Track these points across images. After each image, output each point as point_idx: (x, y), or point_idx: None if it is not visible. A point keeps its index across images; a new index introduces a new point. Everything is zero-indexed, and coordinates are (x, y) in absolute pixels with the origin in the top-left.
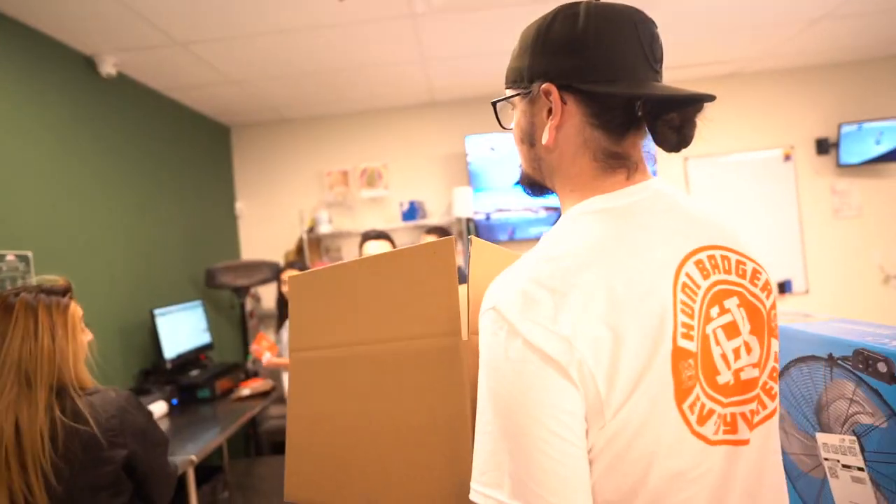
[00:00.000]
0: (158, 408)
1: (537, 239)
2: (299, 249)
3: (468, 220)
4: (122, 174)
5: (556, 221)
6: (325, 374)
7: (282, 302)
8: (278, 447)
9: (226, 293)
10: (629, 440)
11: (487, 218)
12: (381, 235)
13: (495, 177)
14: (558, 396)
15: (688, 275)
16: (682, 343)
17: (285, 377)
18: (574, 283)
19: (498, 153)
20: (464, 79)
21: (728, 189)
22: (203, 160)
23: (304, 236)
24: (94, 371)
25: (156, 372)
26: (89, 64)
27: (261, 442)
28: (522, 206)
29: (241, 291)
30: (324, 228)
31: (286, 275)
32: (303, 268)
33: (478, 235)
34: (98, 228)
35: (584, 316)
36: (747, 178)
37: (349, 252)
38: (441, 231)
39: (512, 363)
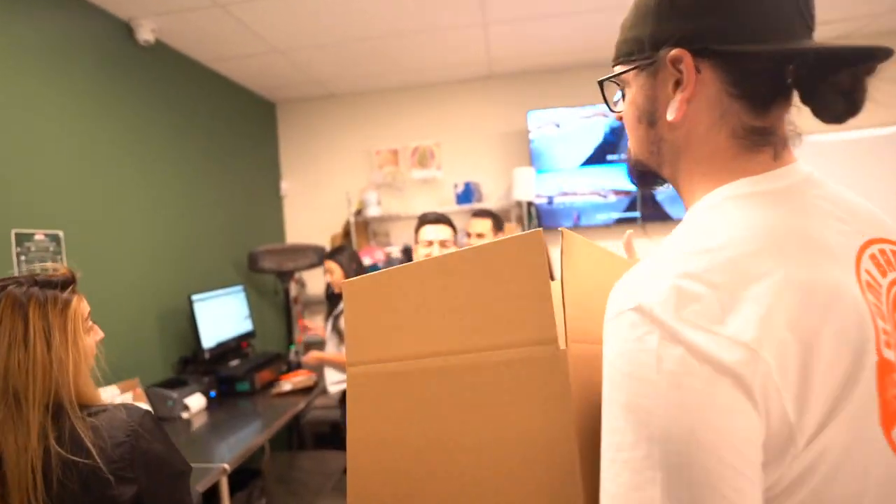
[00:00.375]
0: (196, 402)
1: (605, 226)
2: (346, 233)
3: (529, 204)
4: (160, 150)
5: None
6: (391, 390)
7: (329, 292)
8: (321, 439)
9: (269, 278)
10: (828, 477)
11: (550, 202)
12: (440, 219)
13: (560, 156)
14: (735, 419)
15: (867, 271)
16: (887, 354)
17: (328, 372)
18: (746, 276)
19: (563, 130)
20: (526, 46)
21: (840, 176)
22: (247, 137)
23: (352, 219)
24: (129, 361)
25: (194, 361)
26: (126, 30)
27: (303, 434)
28: (589, 189)
29: (285, 276)
30: (372, 211)
31: (330, 264)
32: (352, 255)
33: (540, 222)
34: (135, 207)
35: (765, 317)
36: (866, 160)
37: (398, 237)
38: (489, 215)
39: (669, 376)
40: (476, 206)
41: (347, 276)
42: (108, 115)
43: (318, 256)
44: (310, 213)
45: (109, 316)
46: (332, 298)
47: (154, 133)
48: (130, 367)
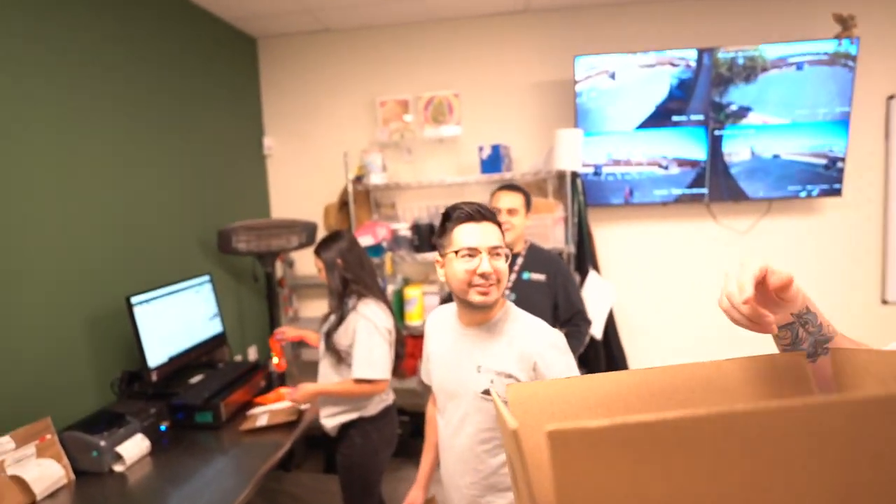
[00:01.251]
0: (134, 448)
1: (663, 204)
2: (343, 204)
3: (573, 174)
4: (104, 96)
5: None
6: None
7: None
8: (316, 442)
9: (246, 262)
10: None
11: (597, 172)
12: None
13: (613, 116)
14: None
15: None
16: None
17: (322, 399)
18: None
19: (619, 81)
20: None
21: None
22: (219, 81)
23: (350, 187)
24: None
25: (141, 382)
26: None
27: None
28: (647, 157)
29: (267, 259)
30: (375, 178)
31: (319, 261)
32: (352, 244)
33: (584, 196)
34: (63, 173)
35: None
36: None
37: (406, 210)
38: (521, 191)
39: None
40: (506, 176)
41: (346, 272)
42: (30, 49)
43: (308, 235)
44: (299, 179)
45: (10, 330)
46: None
47: (95, 75)
48: (43, 400)
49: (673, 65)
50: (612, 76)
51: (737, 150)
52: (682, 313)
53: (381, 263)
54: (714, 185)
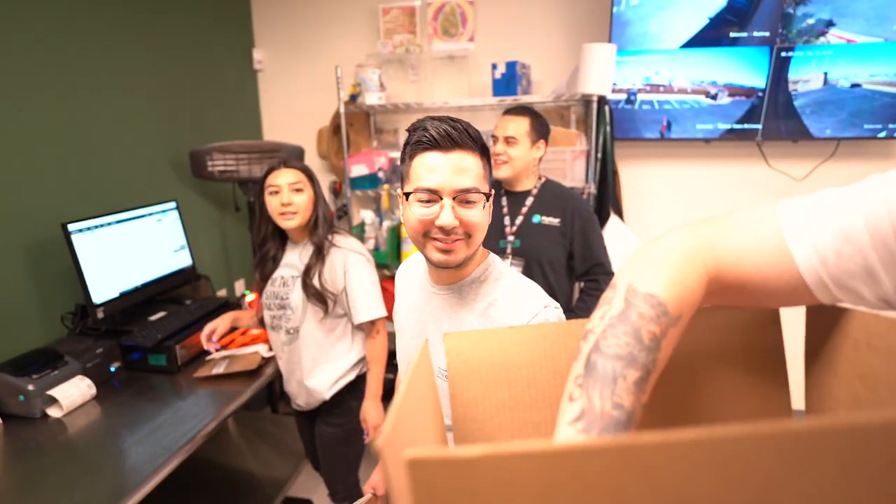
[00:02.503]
0: (71, 391)
1: (706, 141)
2: (336, 128)
3: (600, 101)
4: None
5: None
6: None
7: (261, 222)
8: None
9: (228, 189)
10: None
11: (630, 99)
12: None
13: (654, 31)
14: None
15: None
16: None
17: (306, 331)
18: None
19: None
20: None
21: None
22: None
23: (342, 108)
24: None
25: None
26: None
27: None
28: (691, 83)
29: (249, 186)
30: (371, 98)
31: (275, 178)
32: (336, 170)
33: (612, 127)
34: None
35: None
36: None
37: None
38: (528, 113)
39: None
40: (522, 100)
41: (309, 222)
42: None
43: (296, 159)
44: (294, 98)
45: None
46: (266, 233)
47: None
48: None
49: None
50: None
51: (806, 77)
52: None
53: (377, 196)
54: (771, 119)
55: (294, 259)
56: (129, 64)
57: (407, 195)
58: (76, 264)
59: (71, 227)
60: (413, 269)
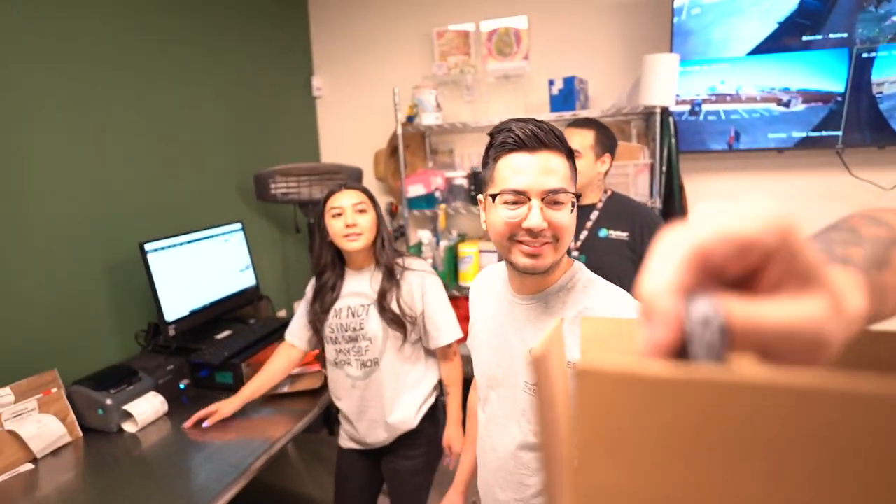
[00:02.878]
0: (146, 407)
1: (779, 150)
2: (394, 150)
3: (664, 113)
4: (132, 26)
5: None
6: None
7: (322, 248)
8: None
9: (289, 211)
10: None
11: (695, 110)
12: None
13: (719, 39)
14: None
15: None
16: None
17: (387, 362)
18: None
19: None
20: None
21: None
22: (266, 15)
23: (399, 130)
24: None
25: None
26: None
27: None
28: (761, 90)
29: (309, 208)
30: (427, 119)
31: (337, 200)
32: (394, 191)
33: (677, 138)
34: (84, 107)
35: None
36: None
37: (465, 155)
38: (594, 125)
39: None
40: (581, 115)
41: (376, 249)
42: None
43: (355, 181)
44: (350, 122)
45: (21, 275)
46: (388, 249)
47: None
48: (57, 352)
49: None
50: None
51: (893, 79)
52: None
53: (434, 216)
54: (852, 125)
55: (362, 287)
56: (199, 94)
57: (493, 197)
58: (151, 282)
59: (147, 246)
60: (489, 281)
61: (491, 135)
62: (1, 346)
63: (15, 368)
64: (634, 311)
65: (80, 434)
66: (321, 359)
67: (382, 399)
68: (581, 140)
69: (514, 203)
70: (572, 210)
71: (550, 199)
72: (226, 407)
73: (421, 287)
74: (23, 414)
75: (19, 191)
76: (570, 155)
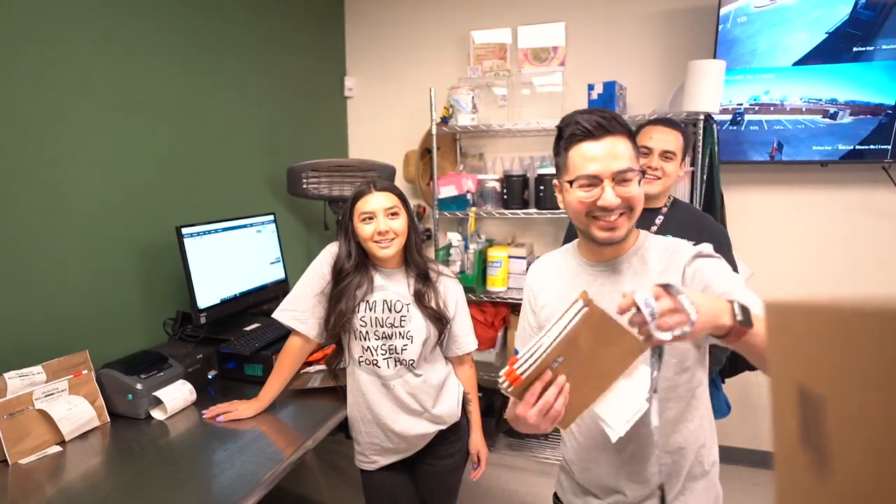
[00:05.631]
0: (175, 394)
1: (821, 163)
2: (425, 151)
3: (706, 118)
4: (173, 22)
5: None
6: None
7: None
8: None
9: (318, 207)
10: None
11: (736, 120)
12: (671, 122)
13: (765, 48)
14: None
15: None
16: None
17: (428, 370)
18: None
19: (781, 1)
20: None
21: None
22: (302, 16)
23: (434, 130)
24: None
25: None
26: None
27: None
28: (806, 101)
29: (339, 205)
30: (463, 119)
31: (367, 204)
32: (423, 193)
33: (719, 147)
34: (125, 96)
35: None
36: None
37: (496, 158)
38: (681, 128)
39: None
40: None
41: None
42: None
43: (387, 178)
44: (380, 122)
45: (54, 254)
46: (418, 248)
47: (160, 2)
48: (88, 334)
49: None
50: None
51: None
52: None
53: (463, 219)
54: None
55: (397, 286)
56: (239, 89)
57: (570, 183)
58: (185, 266)
59: (184, 230)
60: (550, 265)
61: (559, 128)
62: (34, 324)
63: (46, 347)
64: (694, 249)
65: (108, 419)
66: (332, 359)
67: (426, 392)
68: (676, 142)
69: (589, 186)
70: (640, 182)
71: (620, 177)
72: (244, 409)
73: (455, 293)
74: (53, 394)
75: (62, 170)
76: (632, 135)
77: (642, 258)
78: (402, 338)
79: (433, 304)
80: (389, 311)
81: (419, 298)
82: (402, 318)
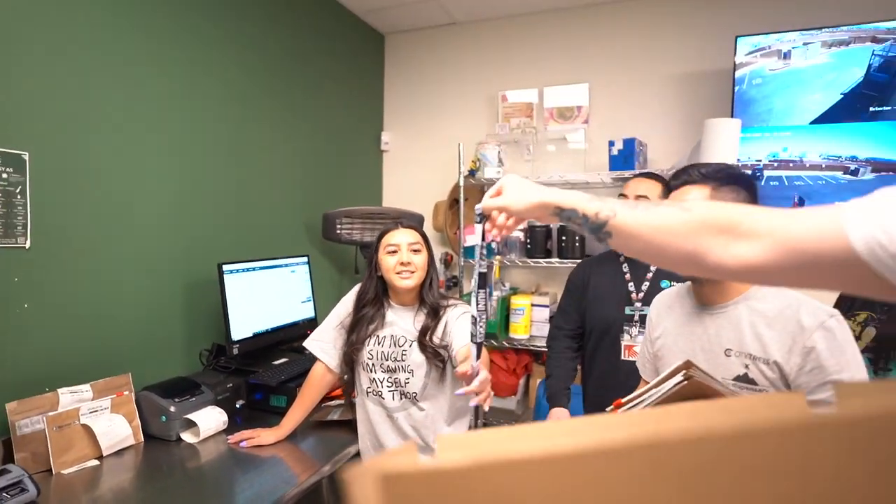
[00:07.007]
0: (207, 419)
1: None
2: (454, 202)
3: None
4: (228, 79)
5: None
6: None
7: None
8: None
9: (350, 252)
10: None
11: (757, 174)
12: (651, 175)
13: (781, 107)
14: None
15: None
16: None
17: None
18: None
19: (797, 62)
20: None
21: None
22: (346, 75)
23: (461, 182)
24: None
25: (223, 354)
26: None
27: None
28: (828, 158)
29: (368, 250)
30: (490, 172)
31: (393, 237)
32: (451, 241)
33: None
34: (180, 147)
35: None
36: None
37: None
38: (660, 179)
39: None
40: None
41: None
42: (135, 17)
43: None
44: (413, 174)
45: (109, 287)
46: (436, 288)
47: (215, 53)
48: (132, 360)
49: (876, 40)
50: (786, 56)
51: None
52: None
53: (489, 266)
54: None
55: (405, 322)
56: (281, 137)
57: None
58: (223, 301)
59: (225, 267)
60: (668, 301)
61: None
62: (87, 347)
63: (95, 368)
64: (822, 312)
65: (142, 439)
66: (348, 387)
67: (429, 428)
68: (649, 189)
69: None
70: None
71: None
72: (266, 436)
73: (456, 313)
74: (97, 411)
75: (122, 210)
76: (665, 182)
77: (767, 306)
78: (405, 371)
79: (435, 340)
80: (394, 345)
81: (423, 334)
82: (404, 353)
